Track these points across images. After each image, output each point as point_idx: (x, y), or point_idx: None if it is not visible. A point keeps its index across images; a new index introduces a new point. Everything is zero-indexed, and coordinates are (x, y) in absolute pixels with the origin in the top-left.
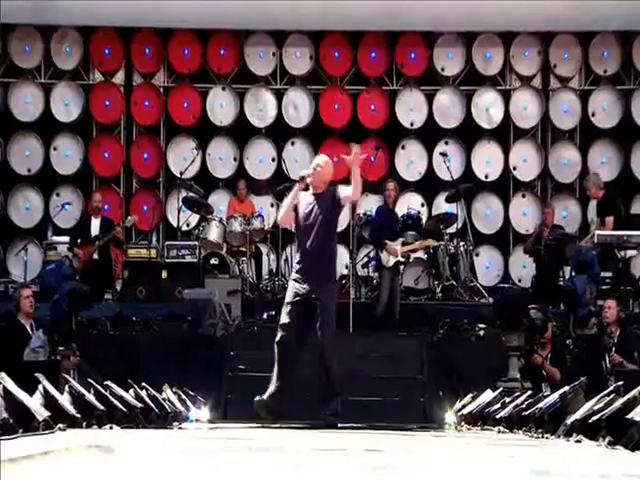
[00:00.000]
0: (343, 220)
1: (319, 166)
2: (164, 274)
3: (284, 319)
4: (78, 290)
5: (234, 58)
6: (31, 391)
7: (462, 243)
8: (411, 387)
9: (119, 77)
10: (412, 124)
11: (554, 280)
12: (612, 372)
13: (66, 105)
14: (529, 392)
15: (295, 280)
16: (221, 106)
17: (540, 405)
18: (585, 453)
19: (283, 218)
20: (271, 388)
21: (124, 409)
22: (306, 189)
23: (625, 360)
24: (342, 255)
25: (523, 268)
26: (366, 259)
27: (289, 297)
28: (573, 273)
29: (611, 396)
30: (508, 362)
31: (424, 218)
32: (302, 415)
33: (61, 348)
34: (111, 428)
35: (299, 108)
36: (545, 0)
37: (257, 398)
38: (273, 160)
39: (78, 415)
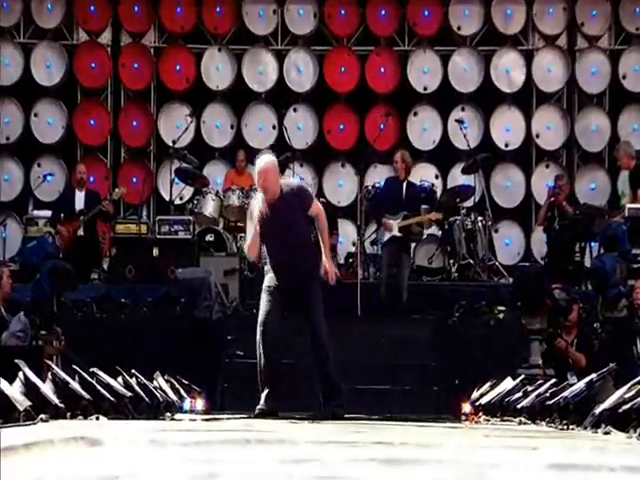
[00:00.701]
0: (350, 194)
1: (263, 178)
2: (155, 252)
3: (266, 305)
4: (61, 269)
5: (231, 16)
6: (11, 379)
7: (480, 218)
8: (424, 375)
9: (106, 37)
10: (425, 88)
11: (569, 257)
12: None
13: (48, 67)
14: (553, 380)
15: (273, 275)
16: (217, 69)
17: (565, 394)
18: (615, 445)
19: (251, 250)
20: (264, 392)
21: (112, 398)
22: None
23: None
24: (349, 232)
25: (546, 245)
26: (375, 235)
27: (269, 282)
28: (601, 250)
29: None
30: (529, 347)
31: (438, 191)
32: (304, 406)
33: (43, 332)
34: (98, 419)
35: (302, 71)
36: None
37: (257, 411)
38: (274, 128)
39: (62, 405)
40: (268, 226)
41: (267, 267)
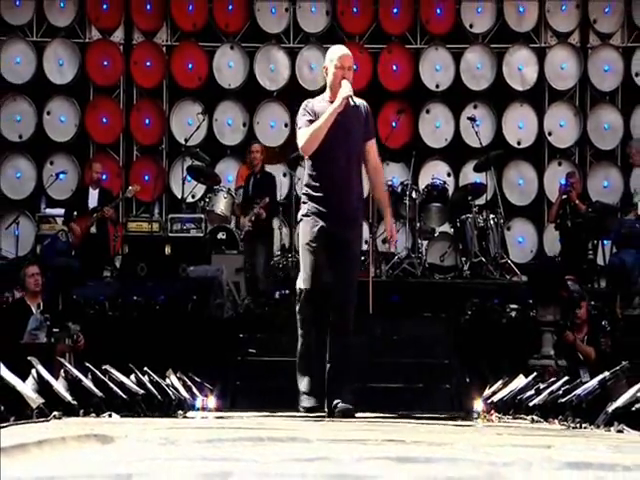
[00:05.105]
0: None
1: (348, 65)
2: (167, 250)
3: (308, 269)
4: (70, 266)
5: (243, 14)
6: (24, 376)
7: (492, 216)
8: (436, 373)
9: (118, 35)
10: (437, 86)
11: (583, 255)
12: None
13: (60, 65)
14: (566, 378)
15: (315, 215)
16: (229, 67)
17: (578, 392)
18: (628, 444)
19: (310, 143)
20: (305, 382)
21: (124, 396)
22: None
23: None
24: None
25: (559, 243)
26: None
27: (310, 235)
28: (614, 249)
29: None
30: (541, 338)
31: (450, 189)
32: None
33: (56, 330)
34: (110, 416)
35: (314, 68)
36: None
37: (302, 409)
38: (286, 126)
39: (74, 402)
40: (329, 135)
41: (308, 205)
